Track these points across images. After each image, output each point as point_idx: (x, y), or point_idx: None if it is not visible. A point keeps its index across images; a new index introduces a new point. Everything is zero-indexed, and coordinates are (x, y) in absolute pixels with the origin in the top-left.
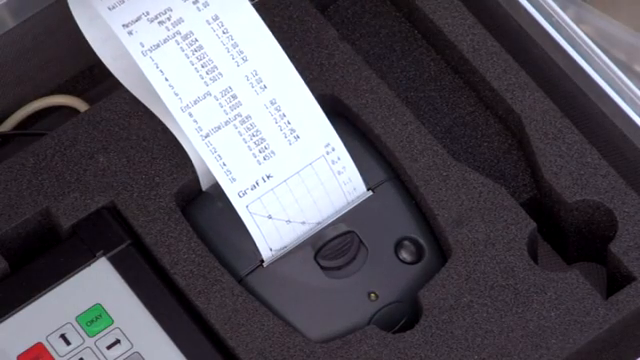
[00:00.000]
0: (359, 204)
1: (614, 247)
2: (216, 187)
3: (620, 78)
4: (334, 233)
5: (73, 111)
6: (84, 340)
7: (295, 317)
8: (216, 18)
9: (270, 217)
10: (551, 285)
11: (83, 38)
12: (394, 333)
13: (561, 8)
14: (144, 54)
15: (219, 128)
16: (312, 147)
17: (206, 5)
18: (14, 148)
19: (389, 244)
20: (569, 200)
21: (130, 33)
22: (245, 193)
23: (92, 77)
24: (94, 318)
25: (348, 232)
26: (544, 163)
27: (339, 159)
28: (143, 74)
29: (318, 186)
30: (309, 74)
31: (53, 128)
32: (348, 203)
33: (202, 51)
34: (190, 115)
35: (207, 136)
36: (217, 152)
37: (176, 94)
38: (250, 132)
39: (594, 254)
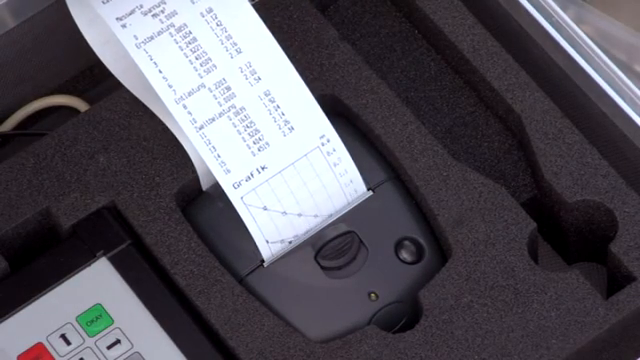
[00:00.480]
0: (359, 204)
1: (614, 247)
2: (216, 187)
3: (620, 78)
4: (334, 233)
5: (73, 111)
6: (84, 340)
7: (295, 317)
8: (210, 10)
9: (265, 208)
10: (551, 285)
11: (83, 38)
12: (394, 333)
13: (561, 8)
14: (138, 47)
15: (213, 120)
16: (307, 138)
17: None
18: (14, 148)
19: (389, 244)
20: (569, 200)
21: (124, 26)
22: (240, 184)
23: (92, 77)
24: (94, 318)
25: (348, 232)
26: (544, 163)
27: (334, 150)
28: (141, 71)
29: (314, 178)
30: (309, 74)
31: (53, 128)
32: (346, 197)
33: (196, 43)
34: (184, 107)
35: (201, 128)
36: (211, 144)
37: (170, 86)
38: (244, 123)
39: (594, 254)
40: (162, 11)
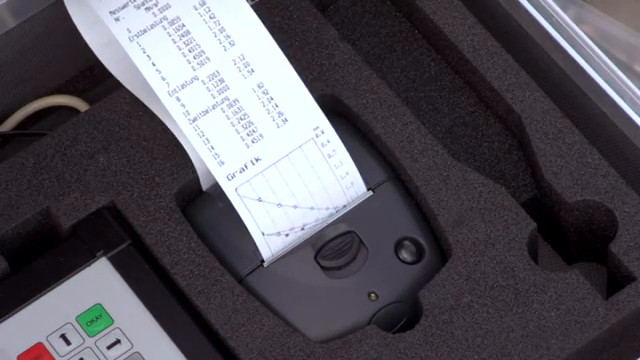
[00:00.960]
0: (359, 204)
1: (614, 247)
2: (216, 187)
3: (620, 78)
4: (334, 233)
5: (73, 111)
6: (84, 340)
7: (295, 317)
8: (203, 3)
9: (260, 200)
10: (551, 285)
11: (83, 38)
12: (394, 333)
13: (561, 8)
14: (131, 40)
15: (206, 112)
16: (301, 130)
17: None
18: (14, 148)
19: (389, 244)
20: (569, 200)
21: (117, 20)
22: (234, 176)
23: (92, 77)
24: (94, 318)
25: (348, 232)
26: (544, 163)
27: (329, 142)
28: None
29: (308, 169)
30: (309, 74)
31: (53, 128)
32: (342, 190)
33: (189, 36)
34: (177, 99)
35: (195, 120)
36: (205, 136)
37: (163, 79)
38: (238, 115)
39: (594, 254)
40: (155, 4)
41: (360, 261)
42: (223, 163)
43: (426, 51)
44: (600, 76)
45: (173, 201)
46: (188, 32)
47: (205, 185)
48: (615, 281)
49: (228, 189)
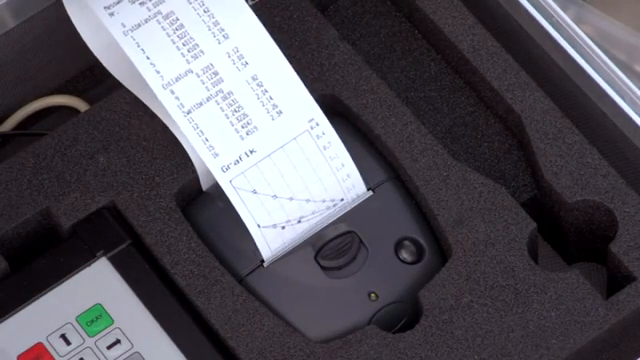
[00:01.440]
0: (359, 204)
1: (614, 247)
2: (216, 187)
3: (620, 78)
4: (334, 233)
5: (73, 111)
6: (84, 340)
7: (295, 317)
8: None
9: (255, 192)
10: (551, 285)
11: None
12: (394, 333)
13: (561, 8)
14: (125, 34)
15: (201, 104)
16: (295, 122)
17: None
18: (14, 148)
19: (389, 244)
20: (569, 200)
21: (112, 14)
22: (228, 168)
23: (92, 77)
24: (94, 318)
25: (348, 232)
26: (544, 163)
27: (324, 134)
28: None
29: (303, 161)
30: (309, 74)
31: (53, 128)
32: (338, 182)
33: (183, 30)
34: (172, 92)
35: (189, 112)
36: (199, 128)
37: (157, 72)
38: (232, 108)
39: (594, 254)
40: None
41: (360, 261)
42: (218, 155)
43: (426, 51)
44: (600, 76)
45: (173, 201)
46: (182, 26)
47: (205, 185)
48: (615, 281)
49: (223, 181)
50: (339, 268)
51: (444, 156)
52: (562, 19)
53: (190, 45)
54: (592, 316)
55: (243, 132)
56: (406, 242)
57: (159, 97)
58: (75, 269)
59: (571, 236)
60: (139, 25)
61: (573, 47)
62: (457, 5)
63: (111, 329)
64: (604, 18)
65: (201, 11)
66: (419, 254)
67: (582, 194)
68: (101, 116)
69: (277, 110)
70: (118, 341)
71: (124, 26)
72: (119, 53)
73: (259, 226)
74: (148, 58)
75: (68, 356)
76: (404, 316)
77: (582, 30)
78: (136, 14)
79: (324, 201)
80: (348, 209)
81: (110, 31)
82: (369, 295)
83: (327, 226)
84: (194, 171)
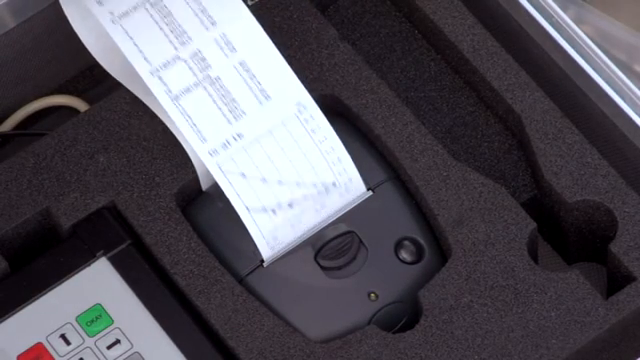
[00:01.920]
0: (359, 204)
1: (614, 247)
2: (216, 187)
3: (620, 78)
4: (334, 233)
5: (73, 111)
6: (84, 340)
7: (295, 317)
8: None
9: (243, 175)
10: (551, 285)
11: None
12: (394, 333)
13: (561, 8)
14: (114, 22)
15: (189, 90)
16: (283, 106)
17: None
18: (14, 148)
19: (389, 244)
20: (569, 200)
21: (100, 3)
22: (216, 152)
23: (92, 77)
24: (94, 318)
25: (348, 232)
26: (544, 163)
27: (312, 118)
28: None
29: (292, 144)
30: (309, 74)
31: (53, 128)
32: (328, 165)
33: (171, 17)
34: (160, 78)
35: (177, 98)
36: (187, 113)
37: (145, 59)
38: (220, 93)
39: (594, 254)
40: None
41: (360, 261)
42: (205, 140)
43: (426, 51)
44: (600, 76)
45: (173, 201)
46: (170, 13)
47: (205, 185)
48: (615, 281)
49: (211, 165)
50: (339, 268)
51: (444, 156)
52: (562, 19)
53: (178, 32)
54: (592, 316)
55: (231, 117)
56: (406, 242)
57: (147, 83)
58: (75, 269)
59: (571, 236)
60: (127, 13)
61: (573, 47)
62: (457, 5)
63: (111, 329)
64: (604, 18)
65: None
66: (419, 254)
67: (582, 194)
68: (101, 116)
69: (265, 95)
70: (118, 341)
71: (112, 14)
72: (117, 54)
73: (248, 209)
74: (136, 45)
75: (68, 356)
76: (404, 316)
77: (582, 30)
78: (124, 2)
79: (315, 185)
80: (348, 209)
81: (98, 19)
82: (369, 295)
83: (327, 226)
84: (194, 171)
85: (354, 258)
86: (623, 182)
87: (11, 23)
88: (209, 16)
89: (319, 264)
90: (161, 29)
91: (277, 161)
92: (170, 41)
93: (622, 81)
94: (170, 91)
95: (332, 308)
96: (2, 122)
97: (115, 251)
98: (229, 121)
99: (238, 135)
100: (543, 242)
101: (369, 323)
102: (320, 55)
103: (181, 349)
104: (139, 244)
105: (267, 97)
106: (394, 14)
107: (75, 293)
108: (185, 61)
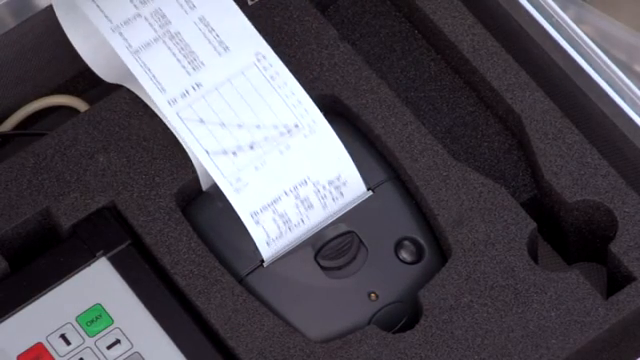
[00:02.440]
0: (359, 204)
1: (614, 247)
2: (216, 187)
3: (620, 78)
4: (334, 233)
5: (73, 111)
6: (84, 340)
7: (295, 317)
8: None
9: (202, 121)
10: (551, 285)
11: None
12: (394, 333)
13: (561, 8)
14: None
15: (148, 45)
16: (242, 56)
17: None
18: (14, 148)
19: (389, 244)
20: (569, 200)
21: None
22: (175, 101)
23: (92, 77)
24: (94, 318)
25: (348, 232)
26: (544, 163)
27: (271, 65)
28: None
29: (251, 91)
30: (309, 74)
31: (53, 128)
32: (289, 108)
33: None
34: (120, 34)
35: (136, 52)
36: (146, 66)
37: (106, 17)
38: (179, 46)
39: (594, 254)
40: None
41: (360, 261)
42: (165, 90)
43: (426, 51)
44: (600, 76)
45: (173, 201)
46: None
47: (205, 185)
48: (615, 281)
49: (169, 114)
50: (339, 268)
51: (444, 156)
52: (562, 19)
53: None
54: (592, 316)
55: (190, 68)
56: (406, 242)
57: (108, 39)
58: (75, 269)
59: (571, 236)
60: None
61: (573, 47)
62: (457, 5)
63: (111, 329)
64: (604, 18)
65: None
66: (419, 254)
67: (582, 194)
68: (101, 116)
69: (224, 46)
70: (118, 341)
71: None
72: (111, 57)
73: (208, 152)
74: (98, 7)
75: (68, 356)
76: (404, 316)
77: (582, 30)
78: None
79: (276, 127)
80: (348, 209)
81: None
82: (369, 295)
83: (327, 226)
84: (194, 171)
85: (354, 258)
86: (623, 182)
87: (11, 23)
88: None
89: (319, 264)
90: None
91: (236, 107)
92: (131, 1)
93: (622, 81)
94: (130, 46)
95: (332, 308)
96: (2, 122)
97: (115, 251)
98: (188, 72)
99: (197, 85)
100: (543, 242)
101: (369, 323)
102: (320, 55)
103: (181, 349)
104: (139, 244)
105: (226, 48)
106: (394, 14)
107: (75, 293)
108: (145, 18)
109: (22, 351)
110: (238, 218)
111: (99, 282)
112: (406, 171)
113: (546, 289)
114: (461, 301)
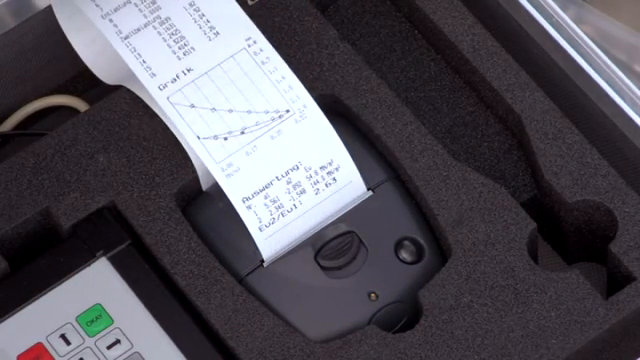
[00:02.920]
0: (359, 204)
1: (614, 247)
2: (216, 187)
3: (620, 78)
4: (334, 233)
5: (73, 111)
6: (84, 340)
7: (295, 317)
8: None
9: (193, 106)
10: (551, 285)
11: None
12: (394, 333)
13: (561, 8)
14: None
15: (138, 30)
16: (233, 41)
17: None
18: (14, 148)
19: (389, 244)
20: (569, 200)
21: None
22: (165, 86)
23: (92, 77)
24: (94, 318)
25: (348, 232)
26: (544, 163)
27: (262, 50)
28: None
29: (242, 76)
30: (309, 74)
31: (53, 128)
32: (279, 92)
33: None
34: (110, 21)
35: (127, 38)
36: (137, 51)
37: (97, 5)
38: (169, 32)
39: (594, 254)
40: None
41: (360, 261)
42: (155, 75)
43: (426, 51)
44: (600, 76)
45: (173, 201)
46: None
47: (205, 185)
48: (615, 281)
49: (160, 98)
50: (339, 268)
51: (444, 156)
52: (562, 19)
53: None
54: (592, 316)
55: (180, 53)
56: (406, 242)
57: (98, 27)
58: (75, 269)
59: (571, 236)
60: None
61: (573, 47)
62: (457, 5)
63: (111, 329)
64: (604, 18)
65: None
66: (419, 254)
67: (582, 194)
68: (101, 116)
69: (214, 31)
70: (118, 341)
71: None
72: (112, 60)
73: (199, 137)
74: None
75: (68, 356)
76: (404, 316)
77: (582, 30)
78: None
79: (267, 112)
80: (348, 209)
81: None
82: (369, 295)
83: (327, 226)
84: (194, 171)
85: (354, 258)
86: (623, 182)
87: (11, 23)
88: None
89: (319, 264)
90: None
91: (227, 92)
92: None
93: (622, 81)
94: (121, 32)
95: (332, 308)
96: (2, 122)
97: (115, 251)
98: (179, 57)
99: (187, 69)
100: (543, 242)
101: (369, 323)
102: (320, 55)
103: (181, 349)
104: (139, 244)
105: (216, 34)
106: (394, 14)
107: (75, 293)
108: (135, 4)
109: (22, 351)
110: (238, 218)
111: (99, 282)
112: (406, 171)
113: (546, 289)
114: (461, 301)
